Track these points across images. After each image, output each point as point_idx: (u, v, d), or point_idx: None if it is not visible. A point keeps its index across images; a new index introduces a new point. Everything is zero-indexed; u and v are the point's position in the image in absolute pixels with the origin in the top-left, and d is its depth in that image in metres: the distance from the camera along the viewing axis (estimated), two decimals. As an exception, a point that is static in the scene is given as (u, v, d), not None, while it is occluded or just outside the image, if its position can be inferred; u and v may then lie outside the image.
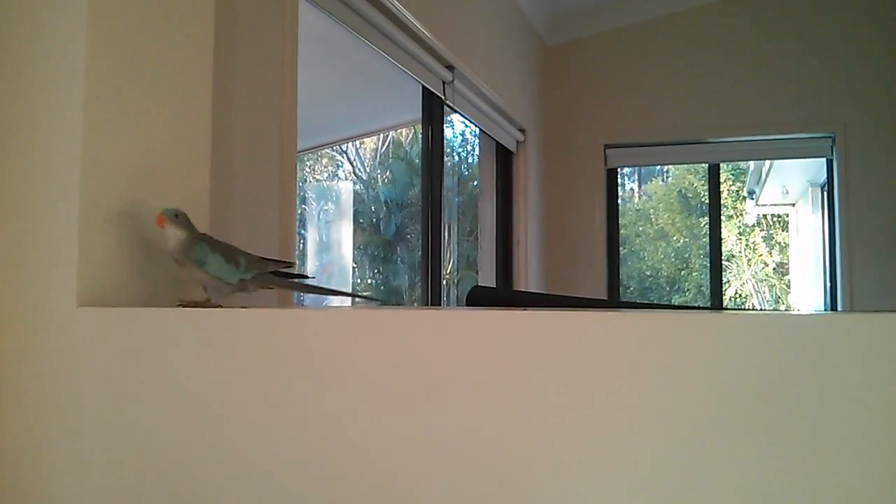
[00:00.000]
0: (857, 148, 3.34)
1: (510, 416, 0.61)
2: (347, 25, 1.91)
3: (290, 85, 1.42)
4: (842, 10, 3.38)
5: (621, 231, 8.32)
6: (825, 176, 3.64)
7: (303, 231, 6.19)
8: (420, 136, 2.69)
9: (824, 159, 3.56)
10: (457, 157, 7.20)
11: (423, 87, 2.43)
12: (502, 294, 0.99)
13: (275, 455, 0.68)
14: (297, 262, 5.69)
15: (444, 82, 2.49)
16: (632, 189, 9.37)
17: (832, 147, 3.42)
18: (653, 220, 8.50)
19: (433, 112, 2.51)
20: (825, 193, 3.66)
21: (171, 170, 0.96)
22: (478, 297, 1.00)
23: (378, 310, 0.73)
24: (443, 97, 2.49)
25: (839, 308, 3.37)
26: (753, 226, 8.21)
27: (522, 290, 3.19)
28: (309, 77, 2.87)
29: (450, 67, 2.48)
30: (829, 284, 3.49)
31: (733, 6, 3.53)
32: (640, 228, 8.56)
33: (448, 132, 6.88)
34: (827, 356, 0.54)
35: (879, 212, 3.29)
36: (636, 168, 8.18)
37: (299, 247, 5.92)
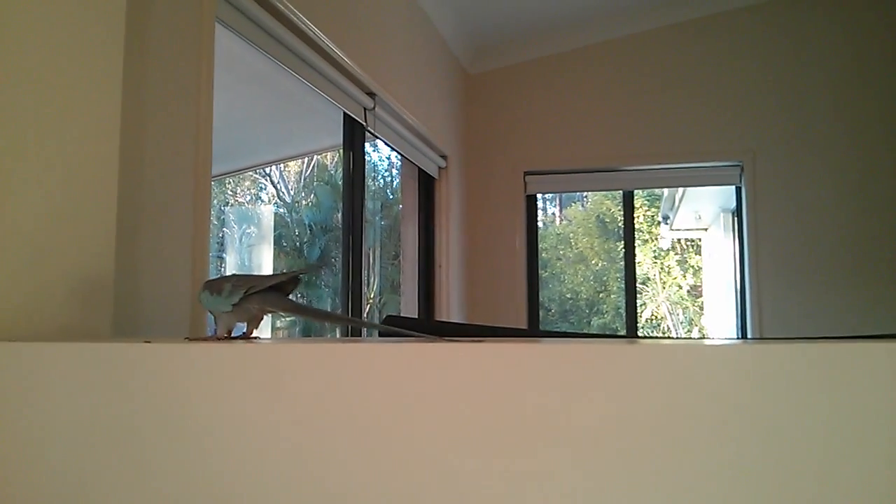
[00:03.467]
0: (763, 176, 3.50)
1: (420, 449, 0.61)
2: (267, 52, 1.90)
3: (206, 109, 1.41)
4: (750, 47, 3.57)
5: (543, 255, 8.49)
6: (735, 202, 3.78)
7: (223, 255, 6.06)
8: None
9: (734, 187, 3.71)
10: (382, 181, 7.20)
11: (345, 112, 2.43)
12: (416, 323, 1.00)
13: (157, 491, 0.66)
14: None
15: (365, 109, 2.50)
16: (553, 214, 9.56)
17: (741, 175, 3.57)
18: (573, 244, 8.70)
19: (354, 138, 2.51)
20: (735, 219, 3.81)
21: (76, 199, 0.94)
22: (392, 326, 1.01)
23: (275, 343, 0.72)
24: (364, 123, 2.50)
25: (749, 331, 3.51)
26: (668, 250, 8.49)
27: (439, 319, 3.21)
28: (229, 101, 2.84)
29: (371, 94, 2.50)
30: (739, 308, 3.63)
31: (648, 40, 3.68)
32: (561, 252, 8.74)
33: (374, 156, 6.89)
34: (733, 386, 0.55)
35: (785, 237, 3.45)
36: (557, 194, 8.36)
37: (220, 271, 5.78)
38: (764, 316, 3.44)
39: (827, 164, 3.43)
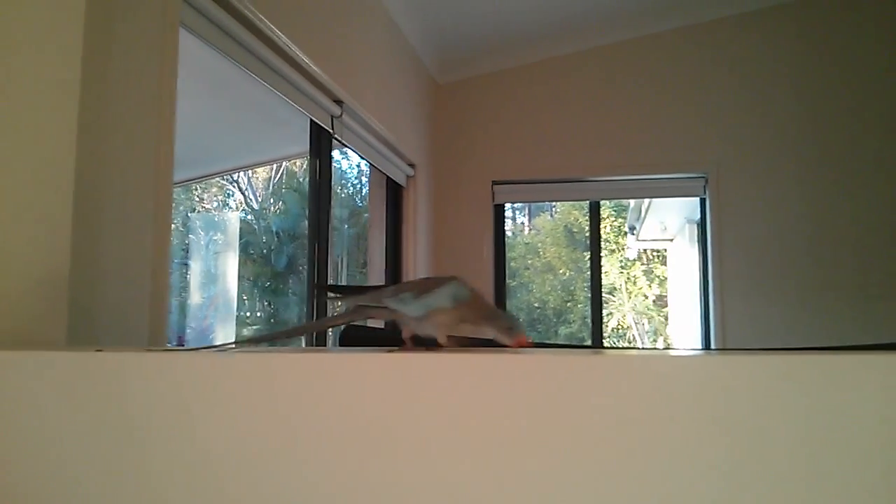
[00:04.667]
0: (727, 188, 3.55)
1: (383, 459, 0.61)
2: (233, 58, 1.89)
3: (168, 114, 1.39)
4: (714, 61, 3.63)
5: (511, 264, 8.52)
6: (700, 214, 3.83)
7: (189, 262, 5.97)
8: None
9: (698, 198, 3.75)
10: (352, 189, 7.18)
11: (311, 120, 2.42)
12: (378, 334, 0.99)
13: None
14: (182, 294, 5.47)
15: (332, 116, 2.49)
16: (522, 223, 9.61)
17: (705, 186, 3.62)
18: (541, 253, 8.75)
19: (321, 145, 2.50)
20: (700, 230, 3.85)
21: (29, 202, 0.92)
22: (352, 338, 1.00)
23: (237, 353, 0.71)
24: (331, 131, 2.49)
25: (712, 341, 3.55)
26: (634, 260, 8.58)
27: (392, 330, 3.20)
28: (195, 106, 2.82)
29: (338, 102, 2.49)
30: (704, 317, 3.67)
31: (615, 52, 3.72)
32: (529, 261, 8.78)
33: (344, 164, 6.87)
34: (695, 397, 0.56)
35: (748, 248, 3.51)
36: (527, 203, 8.39)
37: (186, 278, 5.71)
38: (727, 327, 3.48)
39: (790, 176, 3.49)
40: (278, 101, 2.22)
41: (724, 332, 3.48)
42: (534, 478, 0.58)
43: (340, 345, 0.95)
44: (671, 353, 0.66)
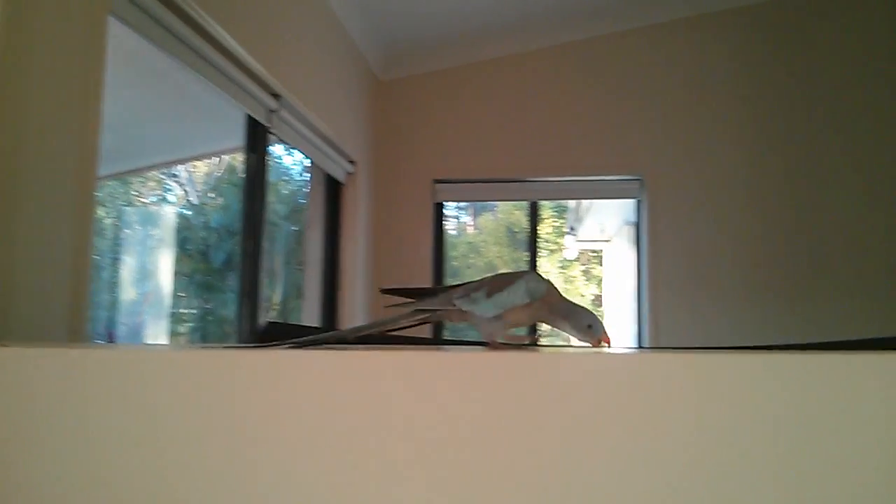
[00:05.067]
0: (662, 190, 3.63)
1: (305, 456, 0.60)
2: (165, 48, 1.85)
3: (94, 105, 1.35)
4: (651, 65, 3.70)
5: (454, 263, 8.52)
6: (636, 215, 3.90)
7: (123, 257, 5.81)
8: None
9: (635, 200, 3.82)
10: (295, 185, 7.07)
11: (247, 113, 2.38)
12: (298, 330, 0.98)
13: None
14: (114, 290, 5.32)
15: (269, 110, 2.46)
16: (466, 222, 9.63)
17: (641, 189, 3.69)
18: (483, 253, 8.78)
19: (256, 139, 2.46)
20: (636, 231, 3.92)
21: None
22: (272, 334, 0.99)
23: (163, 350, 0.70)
24: (267, 125, 2.45)
25: (645, 341, 3.63)
26: (573, 260, 8.70)
27: (316, 325, 3.17)
28: (129, 98, 2.74)
29: (275, 95, 2.46)
30: (637, 317, 3.74)
31: (556, 55, 3.77)
32: (472, 261, 8.81)
33: (288, 160, 6.77)
34: (624, 394, 0.58)
35: (682, 250, 3.59)
36: (471, 203, 8.40)
37: (118, 274, 5.54)
38: (660, 326, 3.56)
39: (723, 180, 3.59)
40: (213, 93, 2.18)
41: (657, 332, 3.56)
42: (458, 475, 0.58)
43: (260, 342, 0.94)
44: (603, 351, 0.68)
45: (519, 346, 0.75)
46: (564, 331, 0.74)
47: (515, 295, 0.74)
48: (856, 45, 3.57)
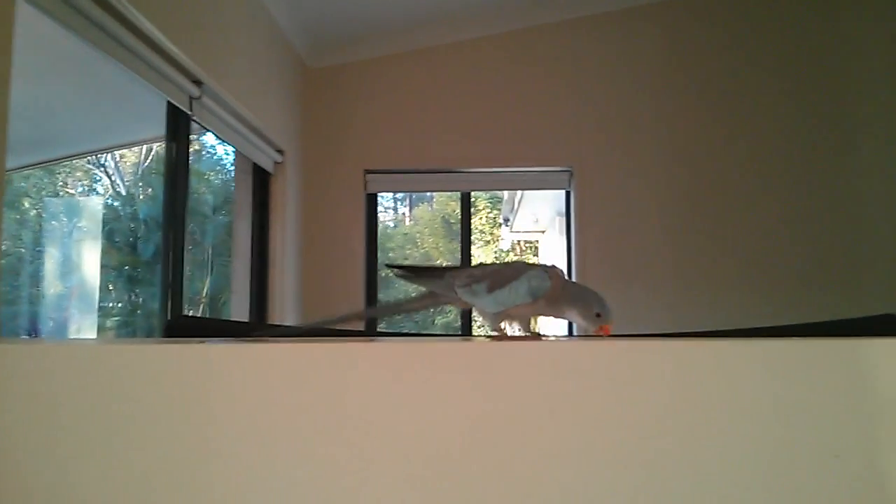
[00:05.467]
0: (590, 181, 3.68)
1: (190, 451, 0.58)
2: (79, 33, 1.78)
3: (1, 95, 1.29)
4: (580, 58, 3.75)
5: (390, 254, 8.49)
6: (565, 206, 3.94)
7: (48, 250, 5.60)
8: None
9: (564, 191, 3.86)
10: (227, 175, 6.92)
11: (168, 101, 2.31)
12: (208, 323, 0.95)
13: None
14: (38, 285, 5.12)
15: (190, 97, 2.39)
16: (403, 213, 9.61)
17: (570, 180, 3.74)
18: (419, 243, 8.79)
19: (178, 127, 2.39)
20: (566, 222, 3.96)
21: None
22: (180, 328, 0.96)
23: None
24: (189, 112, 2.39)
25: (575, 330, 3.68)
26: (508, 251, 8.78)
27: (228, 319, 3.12)
28: (43, 86, 2.63)
29: (197, 82, 2.39)
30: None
31: (486, 45, 3.77)
32: (408, 252, 8.81)
33: (220, 150, 6.61)
34: (558, 380, 0.59)
35: (608, 240, 3.66)
36: (407, 194, 8.40)
37: (42, 267, 5.34)
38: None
39: (649, 171, 3.66)
40: (131, 79, 2.11)
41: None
42: (402, 464, 0.57)
43: (166, 335, 0.91)
44: (540, 341, 0.69)
45: (523, 339, 0.73)
46: (568, 318, 0.73)
47: (517, 294, 0.72)
48: (769, 43, 3.69)
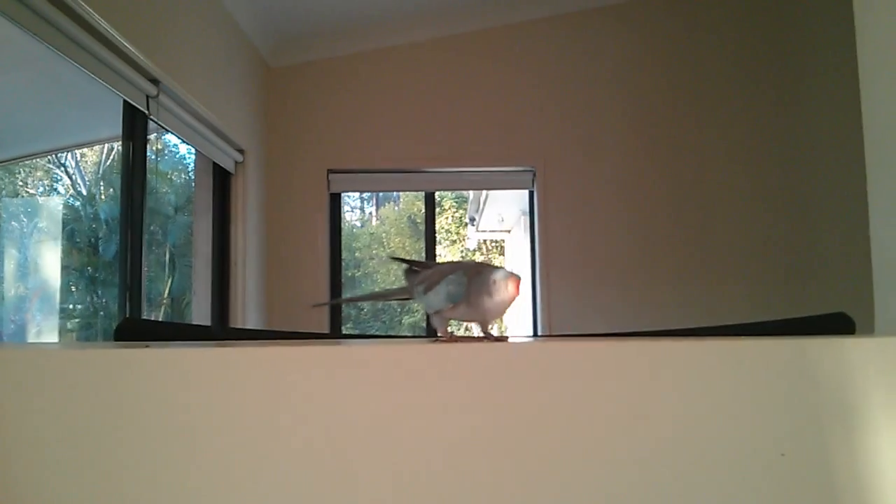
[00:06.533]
0: (553, 181, 3.71)
1: (155, 453, 0.58)
2: (31, 31, 1.75)
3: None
4: (543, 58, 3.77)
5: (356, 254, 8.47)
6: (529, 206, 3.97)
7: (9, 251, 5.49)
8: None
9: (528, 190, 3.89)
10: (189, 176, 6.84)
11: (125, 100, 2.28)
12: (158, 327, 0.94)
13: None
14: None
15: (147, 96, 2.36)
16: (370, 213, 9.58)
17: (533, 180, 3.76)
18: (385, 243, 8.77)
19: (135, 127, 2.36)
20: (530, 221, 3.99)
21: None
22: (130, 331, 0.95)
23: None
24: (146, 112, 2.36)
25: (539, 328, 3.71)
26: (474, 250, 8.81)
27: (181, 322, 3.10)
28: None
29: (154, 81, 2.36)
30: (533, 305, 3.82)
31: (450, 45, 3.78)
32: (375, 251, 8.79)
33: (183, 148, 6.53)
34: (519, 380, 0.60)
35: (572, 240, 3.69)
36: (374, 193, 8.37)
37: (1, 270, 5.23)
38: (553, 314, 3.64)
39: (610, 171, 3.70)
40: (87, 78, 2.08)
41: (550, 320, 3.64)
42: (370, 461, 0.57)
43: (116, 339, 0.90)
44: (507, 341, 0.71)
45: (471, 340, 0.72)
46: (489, 319, 0.71)
47: (438, 298, 0.71)
48: (729, 41, 3.75)
